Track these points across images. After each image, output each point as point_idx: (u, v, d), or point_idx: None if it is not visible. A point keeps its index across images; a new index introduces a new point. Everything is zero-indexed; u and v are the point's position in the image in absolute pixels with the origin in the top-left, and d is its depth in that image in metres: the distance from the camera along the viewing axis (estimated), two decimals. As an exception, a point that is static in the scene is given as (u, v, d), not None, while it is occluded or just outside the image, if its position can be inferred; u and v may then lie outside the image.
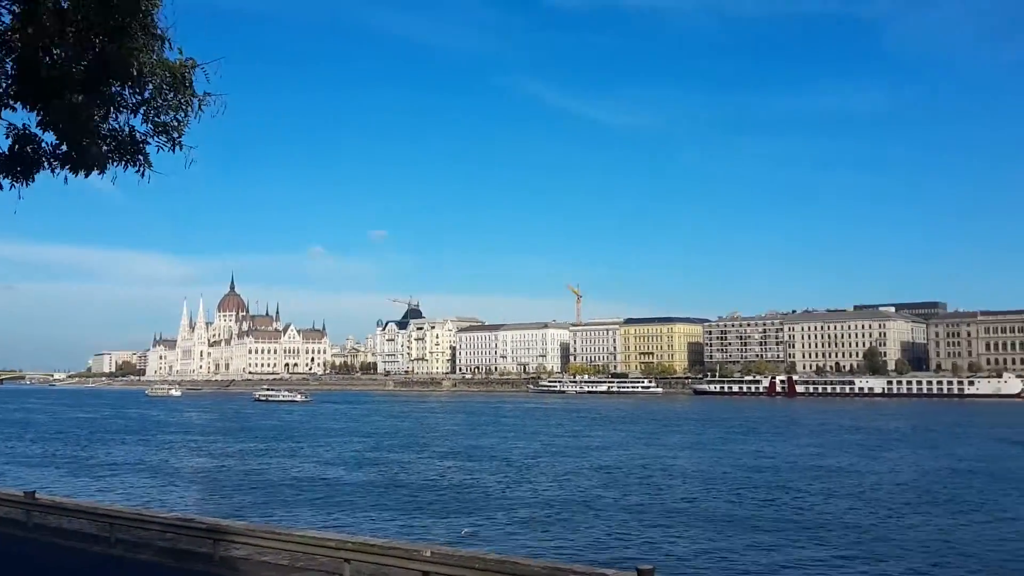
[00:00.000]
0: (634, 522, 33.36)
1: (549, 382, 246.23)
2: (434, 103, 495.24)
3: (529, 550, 26.77)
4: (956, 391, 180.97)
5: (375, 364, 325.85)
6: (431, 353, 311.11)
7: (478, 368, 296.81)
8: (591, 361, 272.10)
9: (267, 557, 18.05)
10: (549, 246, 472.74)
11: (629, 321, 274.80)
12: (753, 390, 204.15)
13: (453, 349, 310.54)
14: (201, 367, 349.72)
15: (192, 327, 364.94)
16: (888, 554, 27.83)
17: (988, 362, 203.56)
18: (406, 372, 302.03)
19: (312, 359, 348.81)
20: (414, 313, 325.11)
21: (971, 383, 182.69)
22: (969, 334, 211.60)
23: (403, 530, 31.10)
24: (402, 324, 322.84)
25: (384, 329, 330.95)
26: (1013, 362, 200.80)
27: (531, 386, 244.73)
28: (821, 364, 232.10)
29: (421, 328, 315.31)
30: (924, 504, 38.27)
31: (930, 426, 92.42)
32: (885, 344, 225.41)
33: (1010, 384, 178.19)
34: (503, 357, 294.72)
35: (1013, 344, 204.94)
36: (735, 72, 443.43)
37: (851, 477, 47.79)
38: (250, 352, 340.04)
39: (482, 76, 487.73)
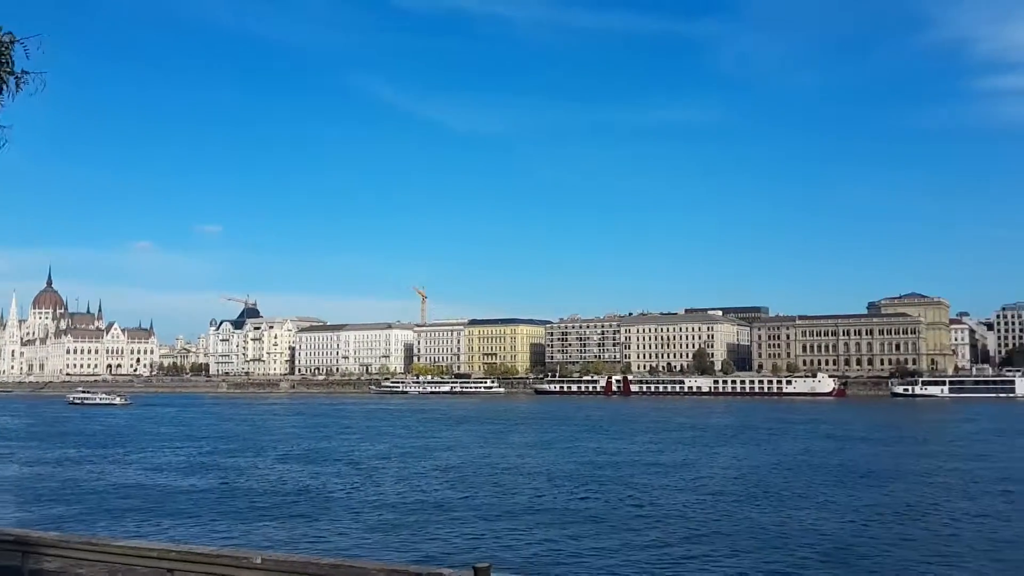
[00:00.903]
0: (480, 521, 33.17)
1: (392, 383, 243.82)
2: (274, 99, 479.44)
3: (372, 553, 25.96)
4: (776, 390, 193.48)
5: (207, 365, 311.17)
6: (269, 354, 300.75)
7: (318, 369, 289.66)
8: (435, 362, 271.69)
9: (83, 570, 16.44)
10: (395, 247, 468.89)
11: (474, 322, 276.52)
12: (591, 389, 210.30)
13: (292, 350, 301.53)
14: (13, 368, 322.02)
15: (3, 325, 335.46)
16: (725, 543, 28.94)
17: (804, 363, 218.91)
18: (245, 374, 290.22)
19: (138, 360, 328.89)
20: (251, 312, 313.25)
21: (789, 382, 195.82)
22: (788, 337, 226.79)
23: (239, 537, 29.41)
24: (238, 324, 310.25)
25: (218, 329, 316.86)
26: (826, 363, 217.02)
27: (373, 387, 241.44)
28: (655, 364, 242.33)
29: (259, 328, 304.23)
30: (755, 495, 40.20)
31: (755, 423, 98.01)
32: (713, 346, 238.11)
33: (823, 383, 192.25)
34: (345, 358, 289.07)
35: (826, 346, 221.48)
36: (578, 83, 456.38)
37: (688, 471, 49.72)
38: (68, 352, 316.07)
39: (326, 74, 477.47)
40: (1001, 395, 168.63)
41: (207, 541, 26.65)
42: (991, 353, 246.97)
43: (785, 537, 30.14)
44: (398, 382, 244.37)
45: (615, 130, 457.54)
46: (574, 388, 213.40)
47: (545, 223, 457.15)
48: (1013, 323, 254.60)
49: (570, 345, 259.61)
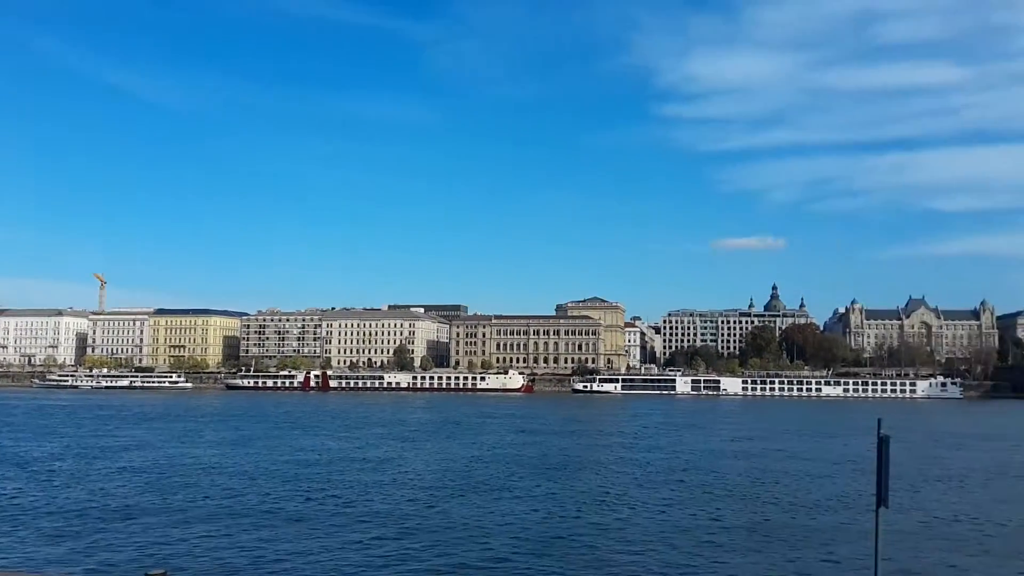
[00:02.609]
0: (168, 526, 30.45)
1: (60, 376, 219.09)
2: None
3: (39, 567, 22.80)
4: (471, 385, 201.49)
5: None
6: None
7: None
8: (114, 354, 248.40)
9: None
10: (66, 225, 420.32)
11: (160, 312, 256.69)
12: (288, 385, 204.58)
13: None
14: None
15: None
16: (432, 537, 29.07)
17: (498, 360, 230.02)
18: None
19: None
20: None
21: (483, 378, 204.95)
22: (484, 335, 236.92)
23: None
24: None
25: None
26: (517, 360, 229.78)
27: (37, 380, 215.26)
28: (356, 359, 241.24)
29: None
30: (462, 488, 41.05)
31: (455, 418, 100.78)
32: (414, 342, 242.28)
33: (514, 380, 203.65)
34: (3, 347, 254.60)
35: (518, 345, 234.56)
36: (290, 69, 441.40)
37: (391, 467, 49.64)
38: None
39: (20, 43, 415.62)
40: (664, 392, 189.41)
41: None
42: (657, 354, 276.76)
43: (490, 528, 30.98)
44: (68, 375, 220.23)
45: (324, 122, 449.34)
46: (269, 383, 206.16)
47: (242, 212, 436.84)
48: (677, 327, 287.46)
49: (268, 339, 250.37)
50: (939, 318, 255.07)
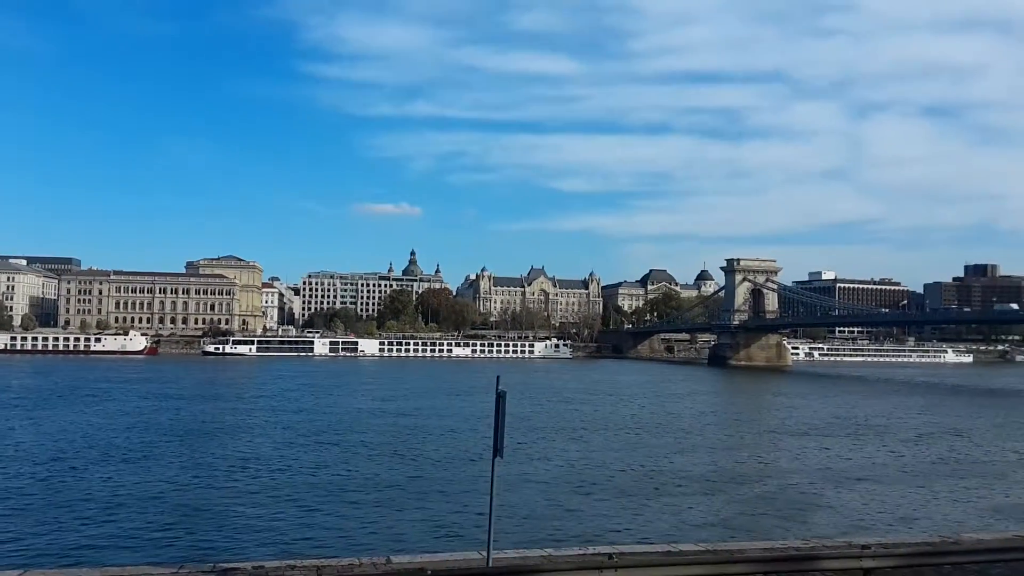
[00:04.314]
0: None
1: None
2: None
3: None
4: (84, 347, 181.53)
5: None
6: None
7: None
8: None
9: None
10: None
11: None
12: None
13: None
14: None
15: None
16: (70, 514, 26.04)
17: (118, 320, 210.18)
18: None
19: None
20: None
21: (99, 340, 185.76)
22: (101, 292, 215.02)
23: None
24: None
25: None
26: (141, 320, 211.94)
27: None
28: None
29: None
30: (105, 459, 37.68)
31: (76, 383, 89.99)
32: (13, 298, 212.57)
33: (135, 341, 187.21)
34: None
35: (140, 304, 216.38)
36: None
37: (6, 439, 43.47)
38: None
39: None
40: (303, 354, 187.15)
41: None
42: (296, 316, 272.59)
43: (122, 501, 28.62)
44: None
45: None
46: None
47: None
48: (317, 289, 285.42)
49: None
50: (555, 286, 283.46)
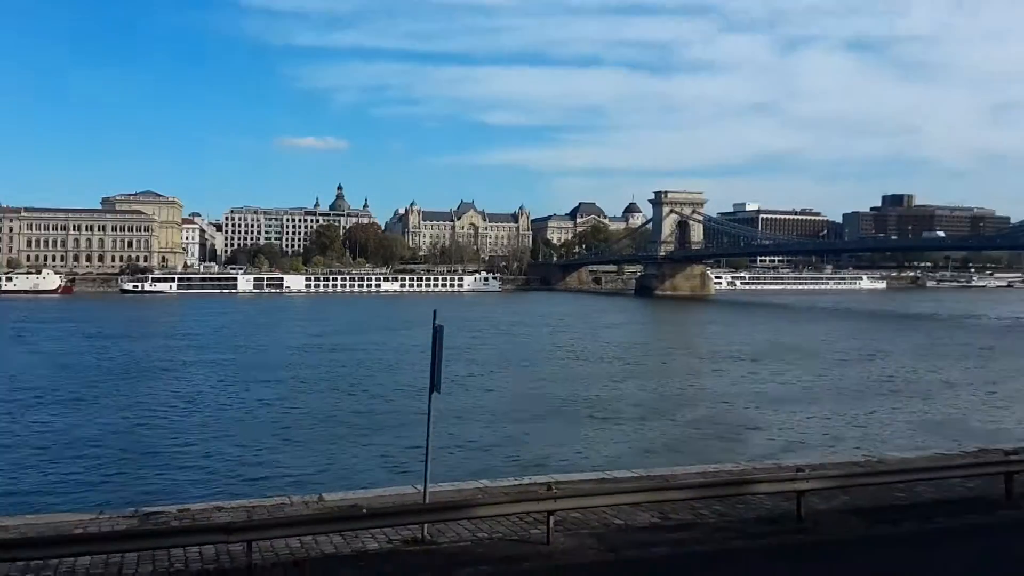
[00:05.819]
0: None
1: None
2: None
3: None
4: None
5: None
6: None
7: None
8: None
9: None
10: None
11: None
12: None
13: None
14: None
15: None
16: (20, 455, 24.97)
17: (29, 258, 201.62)
18: None
19: None
20: None
21: (10, 279, 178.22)
22: (12, 230, 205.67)
23: None
24: None
25: None
26: (54, 259, 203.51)
27: None
28: None
29: None
30: (37, 402, 36.25)
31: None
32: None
33: (48, 280, 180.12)
34: None
35: (54, 241, 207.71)
36: None
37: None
38: None
39: None
40: (226, 291, 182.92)
41: None
42: (219, 252, 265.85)
43: (51, 447, 27.64)
44: None
45: None
46: None
47: None
48: (240, 225, 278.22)
49: None
50: (485, 220, 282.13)
